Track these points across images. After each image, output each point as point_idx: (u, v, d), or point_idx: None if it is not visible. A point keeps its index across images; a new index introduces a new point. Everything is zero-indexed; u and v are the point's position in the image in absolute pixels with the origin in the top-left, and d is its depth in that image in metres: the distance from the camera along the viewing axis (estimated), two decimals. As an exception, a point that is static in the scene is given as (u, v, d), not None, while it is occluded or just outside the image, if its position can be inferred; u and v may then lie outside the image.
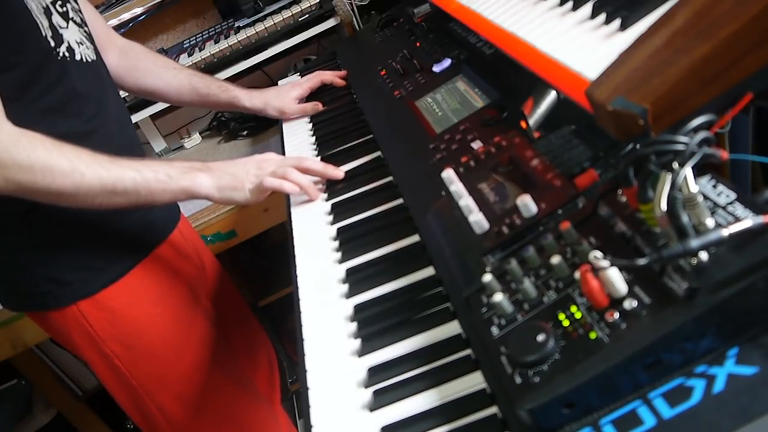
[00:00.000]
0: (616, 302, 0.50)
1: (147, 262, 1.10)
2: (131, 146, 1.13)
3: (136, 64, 1.26)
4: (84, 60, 1.04)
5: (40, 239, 1.00)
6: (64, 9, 1.02)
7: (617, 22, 0.66)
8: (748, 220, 0.47)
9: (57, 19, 0.99)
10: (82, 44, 1.04)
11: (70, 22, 1.03)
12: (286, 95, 1.37)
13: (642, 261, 0.48)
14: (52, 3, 0.99)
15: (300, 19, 1.67)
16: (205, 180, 0.98)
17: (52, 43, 0.97)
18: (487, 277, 0.59)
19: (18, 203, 0.94)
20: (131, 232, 1.08)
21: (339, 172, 1.06)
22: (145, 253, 1.10)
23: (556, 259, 0.56)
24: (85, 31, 1.07)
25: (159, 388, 1.13)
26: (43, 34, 0.95)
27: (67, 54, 1.00)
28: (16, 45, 0.92)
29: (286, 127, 1.39)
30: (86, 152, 0.91)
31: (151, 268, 1.10)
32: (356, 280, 0.83)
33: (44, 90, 0.95)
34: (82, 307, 1.04)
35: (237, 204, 1.03)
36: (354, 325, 0.76)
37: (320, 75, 1.42)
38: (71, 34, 1.02)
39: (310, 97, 1.42)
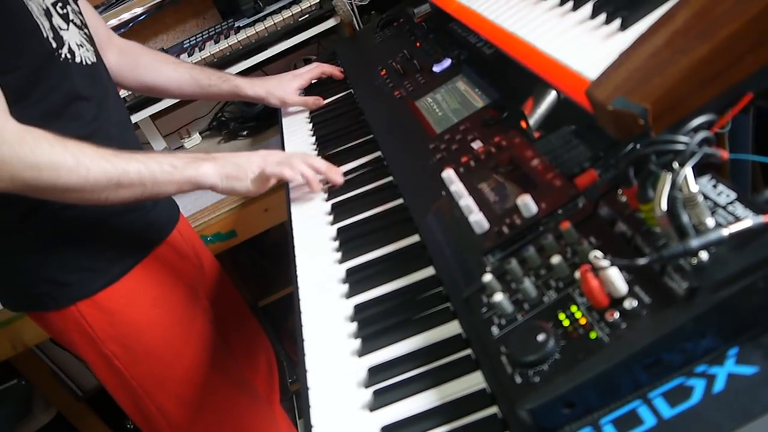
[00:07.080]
0: (616, 302, 0.50)
1: (146, 263, 1.10)
2: (131, 149, 1.13)
3: (137, 61, 1.26)
4: (84, 62, 1.04)
5: (39, 240, 1.00)
6: (65, 11, 1.02)
7: (617, 22, 0.66)
8: (748, 220, 0.47)
9: (57, 20, 0.99)
10: (82, 46, 1.04)
11: (71, 24, 1.03)
12: (288, 85, 1.39)
13: (642, 261, 0.48)
14: (52, 4, 0.99)
15: (300, 19, 1.67)
16: (209, 169, 0.97)
17: (54, 45, 0.96)
18: (487, 277, 0.59)
19: (17, 204, 0.94)
20: (130, 232, 1.07)
21: (340, 177, 1.06)
22: (145, 253, 1.10)
23: (556, 259, 0.56)
24: (86, 33, 1.07)
25: (159, 388, 1.13)
26: (44, 35, 0.95)
27: (68, 56, 0.99)
28: (17, 46, 0.91)
29: (286, 127, 1.39)
30: (90, 147, 0.91)
31: (150, 268, 1.10)
32: (356, 280, 0.83)
33: (44, 93, 0.95)
34: (81, 307, 1.04)
35: (239, 194, 1.03)
36: (354, 325, 0.76)
37: (320, 66, 1.46)
38: (72, 36, 1.02)
39: (309, 91, 1.43)
